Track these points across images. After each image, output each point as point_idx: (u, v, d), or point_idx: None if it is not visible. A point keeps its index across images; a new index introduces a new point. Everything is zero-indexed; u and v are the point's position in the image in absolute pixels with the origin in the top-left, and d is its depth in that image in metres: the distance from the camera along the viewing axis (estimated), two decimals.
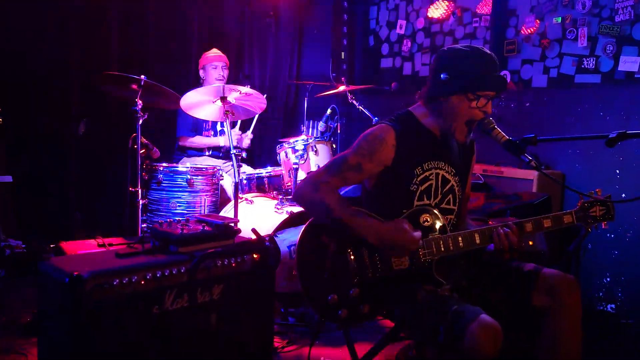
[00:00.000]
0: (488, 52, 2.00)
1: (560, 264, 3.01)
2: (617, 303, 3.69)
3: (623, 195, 3.63)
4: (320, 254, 1.98)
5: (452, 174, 2.12)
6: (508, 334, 1.78)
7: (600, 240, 3.76)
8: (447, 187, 2.10)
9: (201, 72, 4.39)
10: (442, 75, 1.99)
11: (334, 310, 1.94)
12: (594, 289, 3.79)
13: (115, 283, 1.76)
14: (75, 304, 1.70)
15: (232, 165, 3.26)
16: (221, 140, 4.27)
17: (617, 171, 3.71)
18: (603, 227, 2.14)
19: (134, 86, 3.34)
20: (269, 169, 4.01)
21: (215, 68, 4.29)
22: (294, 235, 3.25)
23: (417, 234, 1.92)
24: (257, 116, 4.32)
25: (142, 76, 3.31)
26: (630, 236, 3.66)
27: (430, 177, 2.07)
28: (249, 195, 3.75)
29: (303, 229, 2.04)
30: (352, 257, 1.97)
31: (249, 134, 4.37)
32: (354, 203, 2.05)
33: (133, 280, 1.80)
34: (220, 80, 4.22)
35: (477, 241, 2.02)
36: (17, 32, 3.98)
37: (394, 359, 2.33)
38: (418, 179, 2.04)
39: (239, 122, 4.41)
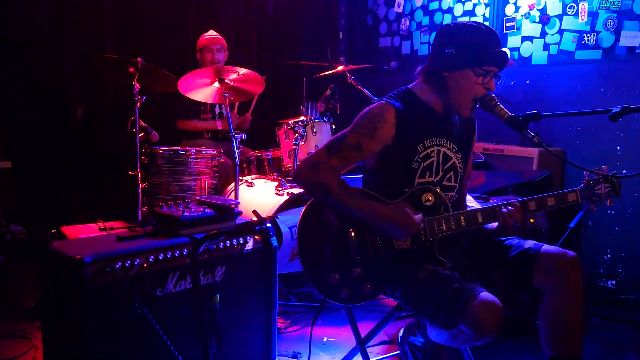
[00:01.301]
0: (492, 28, 2.00)
1: (561, 241, 3.01)
2: (618, 279, 3.71)
3: (624, 171, 3.63)
4: (321, 234, 1.98)
5: (454, 150, 2.10)
6: (509, 311, 1.78)
7: (601, 216, 3.77)
8: (449, 164, 2.09)
9: (198, 55, 4.35)
10: (447, 50, 1.97)
11: (335, 289, 1.95)
12: (595, 265, 3.81)
13: (117, 266, 1.75)
14: (77, 287, 1.70)
15: (232, 147, 3.25)
16: (219, 124, 4.24)
17: (618, 147, 3.70)
18: (608, 204, 2.12)
19: (131, 69, 3.31)
20: (269, 150, 4.00)
21: (211, 51, 4.24)
22: (295, 216, 3.25)
23: (418, 217, 1.92)
24: (256, 97, 4.30)
25: (139, 59, 3.28)
26: (631, 212, 3.66)
27: (432, 154, 2.05)
28: (249, 178, 3.74)
29: (304, 208, 2.03)
30: (353, 236, 1.97)
31: (247, 116, 4.35)
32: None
33: (135, 263, 1.80)
34: (216, 63, 4.18)
35: (480, 220, 2.02)
36: (12, 16, 3.94)
37: (396, 337, 2.35)
38: (420, 156, 2.03)
39: (237, 104, 4.39)
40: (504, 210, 1.99)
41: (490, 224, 2.09)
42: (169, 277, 1.88)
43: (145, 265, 1.82)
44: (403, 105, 2.02)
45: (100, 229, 2.60)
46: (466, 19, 4.71)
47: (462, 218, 2.01)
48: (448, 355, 2.51)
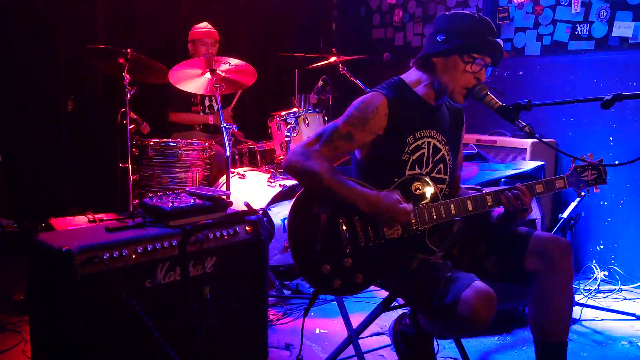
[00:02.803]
0: (486, 18, 1.99)
1: (554, 231, 3.01)
2: (610, 269, 3.72)
3: (616, 162, 3.62)
4: (311, 224, 1.96)
5: (443, 142, 2.09)
6: (502, 298, 1.78)
7: (594, 207, 3.78)
8: (438, 156, 2.08)
9: (190, 46, 4.31)
10: (439, 37, 1.96)
11: (327, 280, 1.93)
12: (588, 255, 3.82)
13: (105, 257, 1.73)
14: (65, 279, 1.68)
15: (224, 139, 3.22)
16: (210, 119, 4.22)
17: (611, 138, 3.70)
18: (595, 191, 2.14)
19: (121, 60, 3.28)
20: (261, 142, 3.97)
21: (205, 45, 4.20)
22: (287, 208, 3.23)
23: (409, 206, 1.90)
24: (238, 94, 4.31)
25: (129, 49, 3.25)
26: (624, 203, 3.67)
27: (422, 146, 2.04)
28: (241, 170, 3.72)
29: (294, 199, 2.01)
30: (344, 226, 1.95)
31: (228, 111, 4.34)
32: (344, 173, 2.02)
33: (124, 254, 1.78)
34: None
35: (470, 208, 2.01)
36: (1, 8, 3.89)
37: (389, 328, 2.34)
38: (410, 148, 2.01)
39: (234, 101, 4.38)
40: (509, 194, 1.98)
41: (497, 209, 2.07)
42: (158, 268, 1.87)
43: (133, 256, 1.80)
44: (395, 96, 2.00)
45: (90, 221, 2.57)
46: (459, 10, 4.69)
47: (452, 206, 2.00)
48: (441, 344, 2.51)
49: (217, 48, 4.26)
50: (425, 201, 2.00)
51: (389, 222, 1.92)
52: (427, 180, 2.01)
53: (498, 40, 1.97)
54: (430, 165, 2.06)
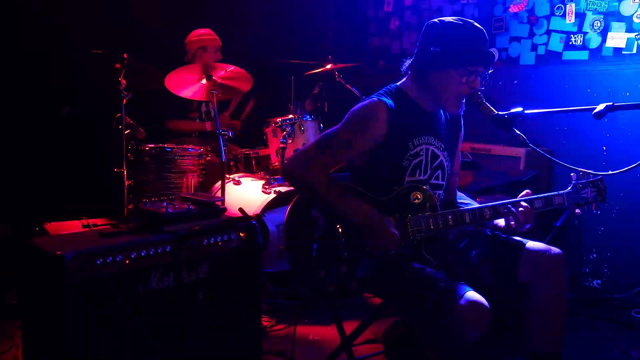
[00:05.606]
0: (478, 25, 1.98)
1: (547, 240, 3.02)
2: (603, 278, 3.73)
3: (609, 171, 3.64)
4: (308, 229, 1.96)
5: (441, 149, 2.10)
6: (495, 308, 1.78)
7: (587, 216, 3.79)
8: (437, 162, 2.09)
9: (190, 52, 4.30)
10: (431, 49, 1.96)
11: (321, 286, 1.94)
12: (581, 265, 3.83)
13: (99, 262, 1.73)
14: (58, 284, 1.68)
15: (219, 145, 3.23)
16: (207, 125, 4.21)
17: (604, 147, 3.72)
18: (593, 209, 2.13)
19: (117, 65, 3.28)
20: (256, 148, 3.98)
21: (207, 52, 4.19)
22: (282, 214, 3.23)
23: (397, 237, 1.90)
24: (250, 106, 4.32)
25: (125, 54, 3.25)
26: (616, 212, 3.68)
27: (421, 153, 2.04)
28: (236, 176, 3.72)
29: (290, 205, 2.02)
30: (340, 232, 1.96)
31: (237, 123, 4.35)
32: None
33: (117, 259, 1.78)
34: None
35: (467, 220, 2.01)
36: None
37: (382, 336, 2.34)
38: (410, 154, 2.02)
39: (231, 108, 4.38)
40: (514, 209, 1.98)
41: (496, 221, 2.07)
42: (152, 274, 1.87)
43: (127, 261, 1.80)
44: (394, 103, 2.00)
45: (84, 226, 2.57)
46: None
47: (449, 217, 2.00)
48: (434, 353, 2.51)
49: (219, 55, 4.24)
50: (424, 211, 2.00)
51: (372, 241, 1.91)
52: (427, 189, 2.01)
53: (491, 50, 1.98)
54: (429, 171, 2.07)
